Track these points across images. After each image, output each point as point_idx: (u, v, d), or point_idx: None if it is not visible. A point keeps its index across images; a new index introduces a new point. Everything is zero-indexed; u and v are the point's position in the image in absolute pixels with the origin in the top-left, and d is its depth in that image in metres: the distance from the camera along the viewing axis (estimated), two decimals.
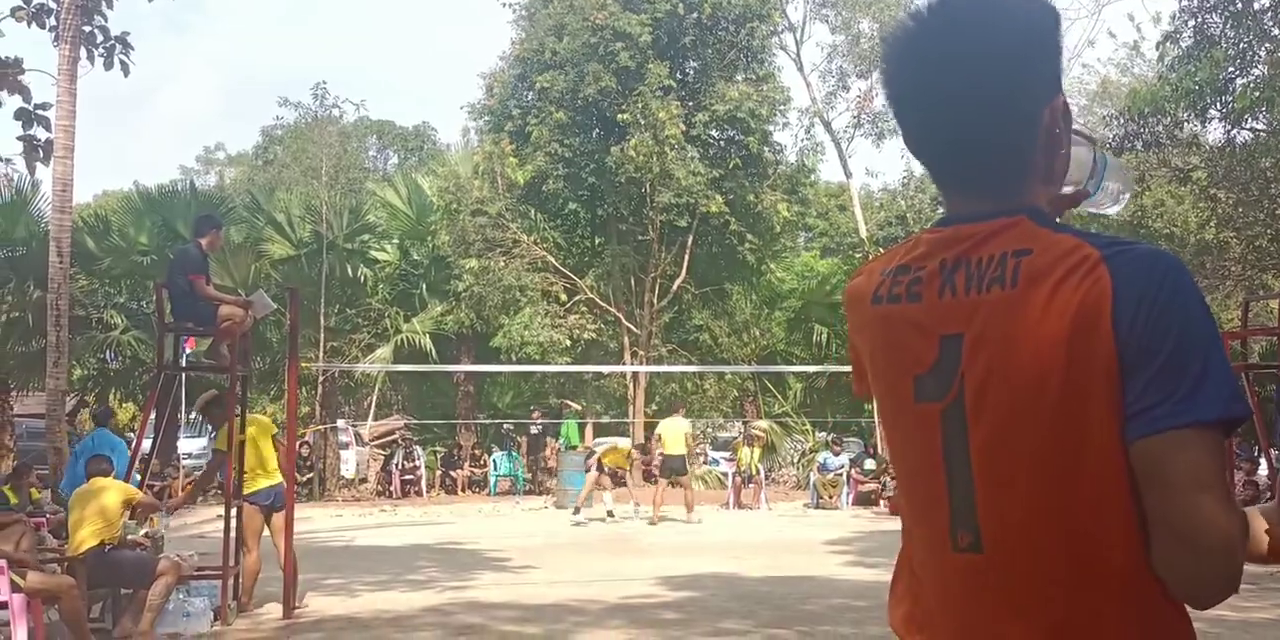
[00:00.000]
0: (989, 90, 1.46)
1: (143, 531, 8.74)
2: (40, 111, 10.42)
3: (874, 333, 1.56)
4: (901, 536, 1.59)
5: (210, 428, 10.82)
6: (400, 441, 24.57)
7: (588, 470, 17.60)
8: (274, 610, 8.71)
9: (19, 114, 10.59)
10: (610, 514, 17.30)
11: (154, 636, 7.40)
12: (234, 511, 8.92)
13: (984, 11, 1.48)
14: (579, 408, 18.66)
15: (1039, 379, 1.36)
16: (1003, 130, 1.47)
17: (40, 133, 10.42)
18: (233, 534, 8.93)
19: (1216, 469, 1.32)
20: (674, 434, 17.29)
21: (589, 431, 25.59)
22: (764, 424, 19.47)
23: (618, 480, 17.82)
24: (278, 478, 9.14)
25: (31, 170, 10.38)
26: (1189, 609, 1.41)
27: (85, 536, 7.54)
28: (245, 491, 8.89)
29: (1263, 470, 14.04)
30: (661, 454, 17.60)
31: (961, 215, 1.52)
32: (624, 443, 18.37)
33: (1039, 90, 1.48)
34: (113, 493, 7.79)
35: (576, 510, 16.77)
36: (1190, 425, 1.31)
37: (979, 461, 1.42)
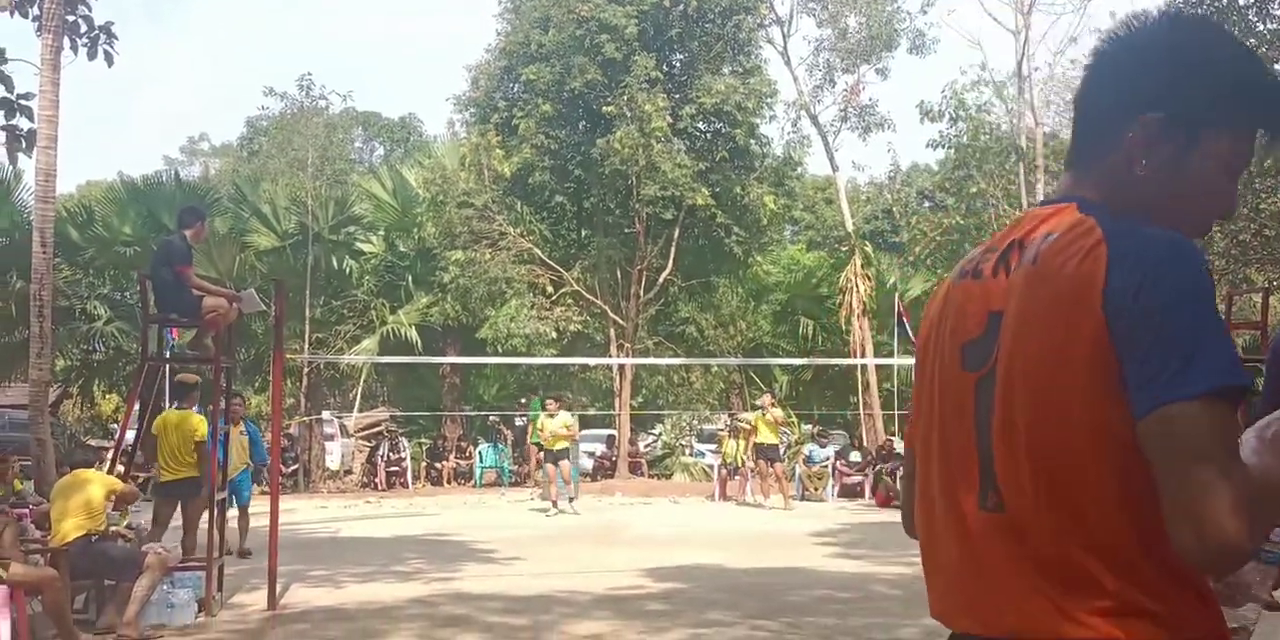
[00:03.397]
0: (1103, 96, 1.64)
1: (125, 523, 8.74)
2: (23, 101, 10.35)
3: (947, 304, 1.71)
4: (920, 502, 1.71)
5: (177, 403, 10.89)
6: (385, 433, 24.54)
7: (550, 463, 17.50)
8: (259, 602, 8.69)
9: (1, 103, 10.52)
10: (555, 505, 17.18)
11: (138, 628, 7.38)
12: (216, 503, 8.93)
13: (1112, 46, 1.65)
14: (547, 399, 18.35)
15: (1040, 353, 1.48)
16: (1100, 133, 1.63)
17: (23, 123, 10.36)
18: (215, 526, 8.94)
19: (1218, 439, 1.36)
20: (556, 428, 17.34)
21: (574, 423, 25.64)
22: (751, 416, 19.42)
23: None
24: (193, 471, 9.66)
25: (14, 160, 10.33)
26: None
27: (69, 528, 7.51)
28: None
29: None
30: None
31: (1045, 200, 1.67)
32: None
33: (1142, 108, 1.57)
34: (96, 484, 7.76)
35: (556, 503, 16.98)
36: (1187, 398, 1.36)
37: (996, 430, 1.54)
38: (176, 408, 10.70)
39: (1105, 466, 1.45)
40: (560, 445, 17.23)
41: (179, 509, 9.86)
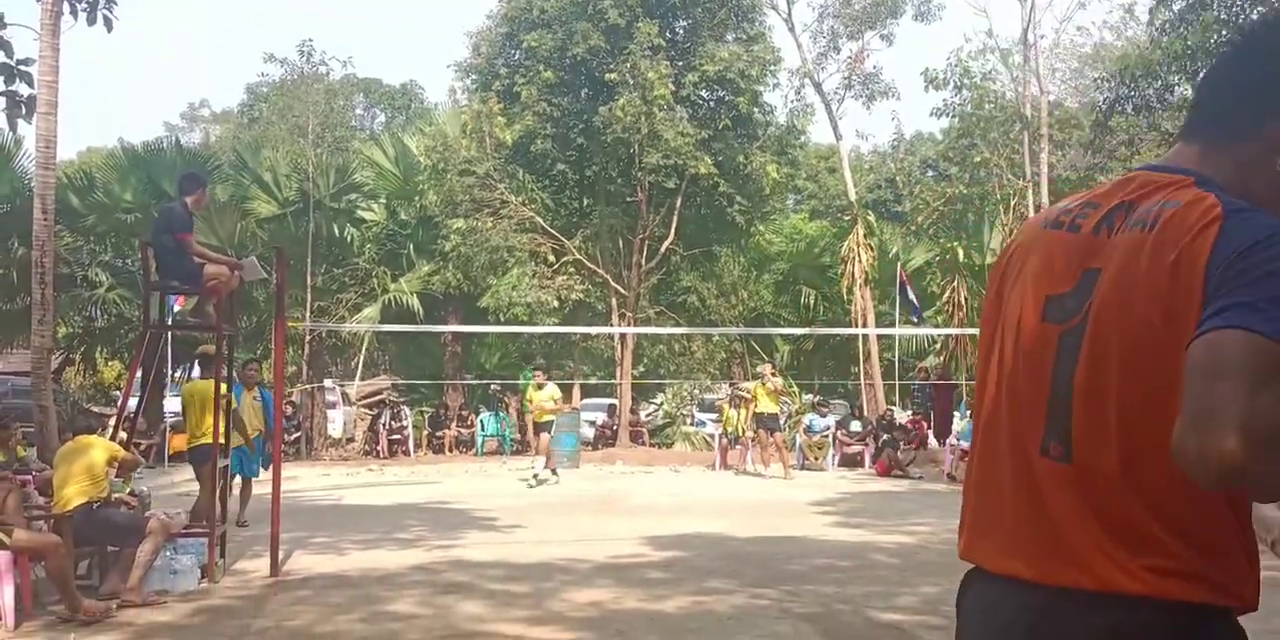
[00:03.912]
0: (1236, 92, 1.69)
1: (128, 489, 8.77)
2: (23, 67, 10.27)
3: (1031, 251, 1.75)
4: (983, 445, 1.77)
5: (202, 373, 11.17)
6: (387, 401, 24.57)
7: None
8: (261, 569, 8.74)
9: (1, 69, 10.45)
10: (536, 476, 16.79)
11: (141, 593, 7.43)
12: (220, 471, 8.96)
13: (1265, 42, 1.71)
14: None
15: (1146, 312, 1.53)
16: (1234, 118, 1.68)
17: (23, 89, 10.28)
18: (216, 492, 8.98)
19: (1261, 370, 1.37)
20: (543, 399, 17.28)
21: (576, 391, 25.71)
22: (751, 385, 19.44)
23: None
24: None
25: (14, 127, 10.24)
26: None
27: (71, 494, 7.54)
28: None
29: None
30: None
31: (1158, 165, 1.72)
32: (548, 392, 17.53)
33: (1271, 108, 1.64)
34: (98, 450, 7.78)
35: (538, 474, 16.78)
36: (1245, 328, 1.39)
37: (1082, 384, 1.59)
38: (201, 377, 10.84)
39: None
40: (547, 417, 17.09)
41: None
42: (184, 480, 16.24)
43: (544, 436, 17.23)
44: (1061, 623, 1.59)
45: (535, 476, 16.63)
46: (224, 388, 9.17)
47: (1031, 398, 1.65)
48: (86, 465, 7.64)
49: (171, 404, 24.07)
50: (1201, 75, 1.80)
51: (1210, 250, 1.48)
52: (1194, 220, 1.52)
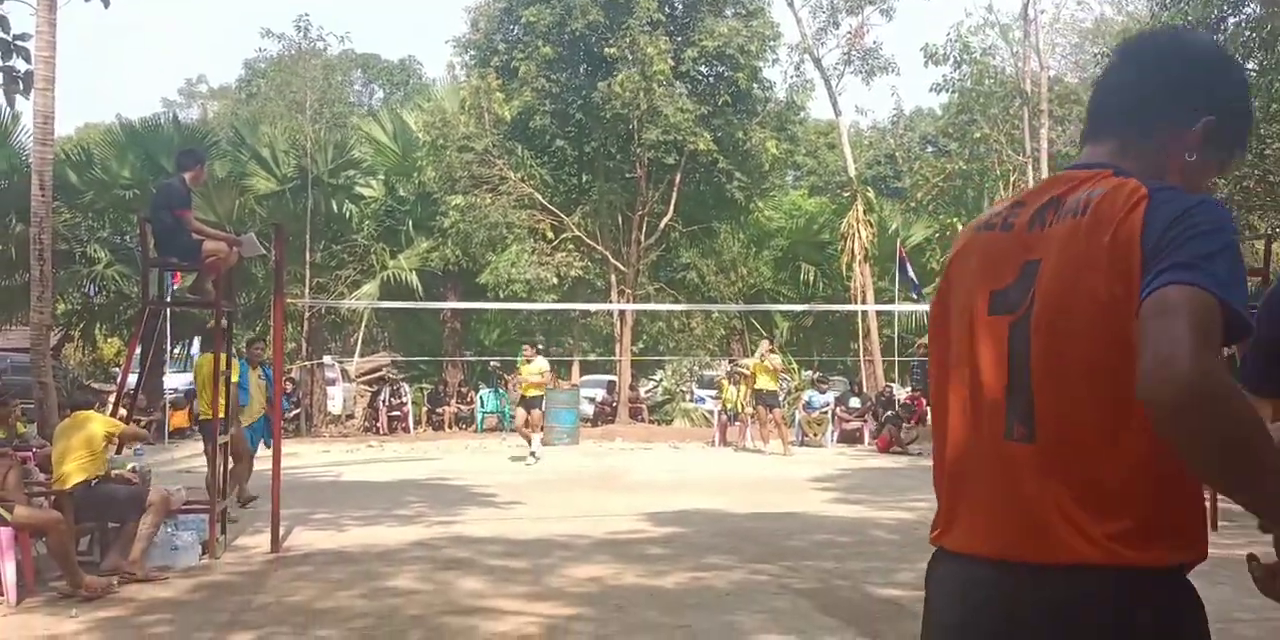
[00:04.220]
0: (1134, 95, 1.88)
1: (130, 466, 8.78)
2: (19, 43, 10.21)
3: (970, 253, 1.90)
4: (952, 434, 1.87)
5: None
6: (387, 378, 24.57)
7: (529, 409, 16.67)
8: (262, 545, 8.77)
9: None
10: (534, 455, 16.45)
11: (143, 568, 7.46)
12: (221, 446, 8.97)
13: (1158, 46, 1.93)
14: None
15: (1092, 288, 1.66)
16: (1139, 118, 1.86)
17: (20, 64, 10.22)
18: (219, 469, 8.99)
19: (1197, 315, 1.52)
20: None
21: (575, 368, 25.74)
22: (749, 362, 19.44)
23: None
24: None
25: (11, 102, 10.23)
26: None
27: (70, 470, 7.54)
28: None
29: None
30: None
31: (1078, 164, 1.89)
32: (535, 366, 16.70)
33: (1169, 108, 1.84)
34: (96, 425, 7.78)
35: (535, 451, 16.44)
36: (1189, 283, 1.55)
37: (1038, 367, 1.71)
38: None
39: None
40: (534, 392, 16.49)
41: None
42: (184, 457, 16.30)
43: (535, 413, 16.66)
44: (1034, 597, 1.67)
45: (533, 454, 16.42)
46: (224, 363, 9.17)
47: (990, 387, 1.77)
48: (85, 440, 7.64)
49: (171, 380, 24.15)
50: (1094, 84, 1.98)
51: (1142, 224, 1.63)
52: (1122, 201, 1.68)
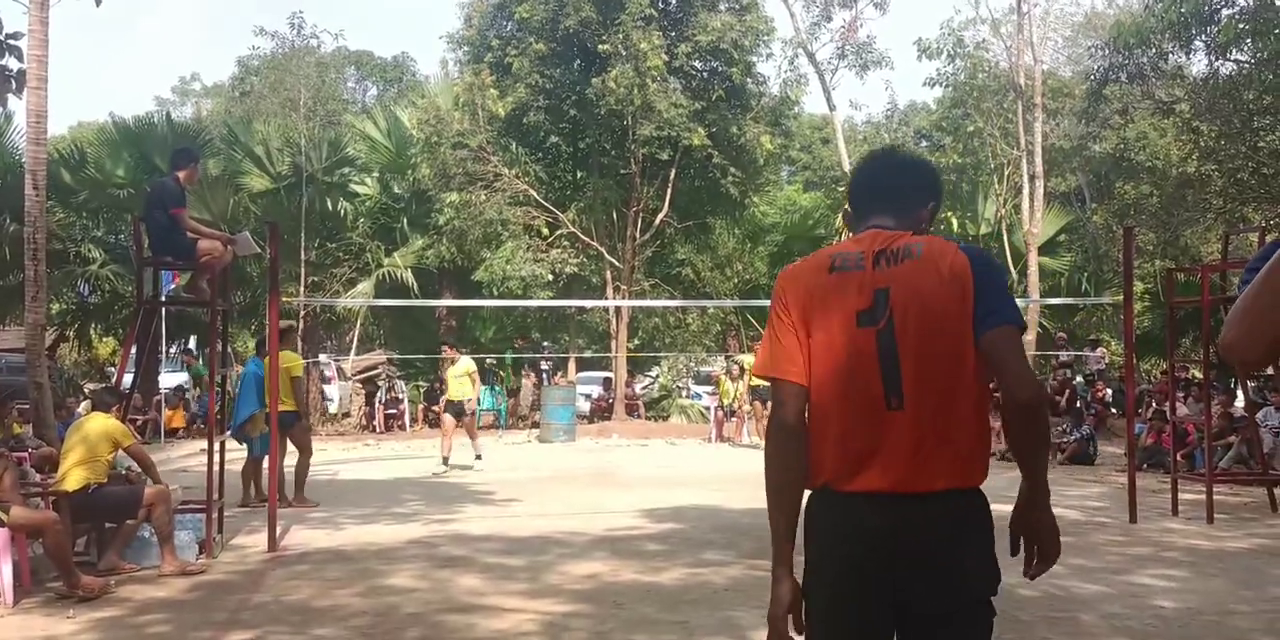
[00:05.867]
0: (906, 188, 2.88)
1: (128, 466, 8.76)
2: (11, 41, 10.18)
3: (829, 288, 2.62)
4: (816, 420, 2.57)
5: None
6: (383, 376, 24.55)
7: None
8: (259, 544, 8.76)
9: None
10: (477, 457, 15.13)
11: (177, 563, 7.65)
12: (217, 446, 8.95)
13: (906, 160, 3.02)
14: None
15: (942, 308, 2.52)
16: (905, 201, 2.83)
17: (12, 63, 10.19)
18: (215, 468, 8.98)
19: (1021, 346, 2.59)
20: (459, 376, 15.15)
21: (571, 365, 25.73)
22: (746, 358, 19.45)
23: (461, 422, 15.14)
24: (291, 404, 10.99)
25: (3, 102, 10.14)
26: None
27: (71, 471, 7.53)
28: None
29: (1239, 401, 14.16)
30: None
31: (879, 227, 2.73)
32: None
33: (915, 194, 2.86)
34: (109, 430, 7.76)
35: (446, 460, 14.84)
36: (1013, 324, 2.52)
37: (907, 359, 2.51)
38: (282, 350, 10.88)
39: (972, 371, 2.50)
40: (461, 395, 14.92)
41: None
42: (180, 456, 16.27)
43: (464, 419, 14.95)
44: (922, 513, 2.47)
45: (477, 457, 15.05)
46: (223, 362, 9.16)
47: (871, 373, 2.53)
48: (92, 443, 7.64)
49: (166, 380, 24.12)
50: (862, 175, 2.92)
51: (968, 261, 2.55)
52: (943, 247, 2.60)
